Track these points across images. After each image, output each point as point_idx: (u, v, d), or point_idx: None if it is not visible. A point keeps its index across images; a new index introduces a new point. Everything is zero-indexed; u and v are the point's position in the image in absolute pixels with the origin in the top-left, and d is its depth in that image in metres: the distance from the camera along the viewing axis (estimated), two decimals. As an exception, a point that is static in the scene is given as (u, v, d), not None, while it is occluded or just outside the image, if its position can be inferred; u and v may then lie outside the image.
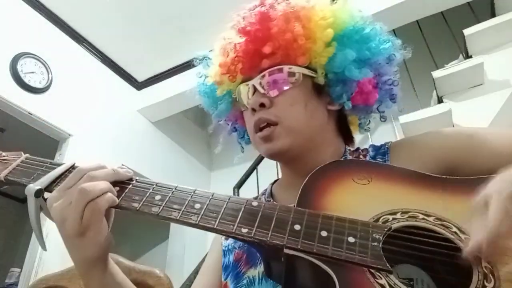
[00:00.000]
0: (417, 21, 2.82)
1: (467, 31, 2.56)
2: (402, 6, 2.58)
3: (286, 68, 0.64)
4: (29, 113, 2.52)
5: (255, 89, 0.65)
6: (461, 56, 2.75)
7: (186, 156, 3.93)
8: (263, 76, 0.65)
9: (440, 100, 2.52)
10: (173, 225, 3.63)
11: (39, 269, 2.29)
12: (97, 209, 0.48)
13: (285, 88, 0.64)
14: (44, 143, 2.68)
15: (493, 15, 3.02)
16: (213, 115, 0.76)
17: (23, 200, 4.99)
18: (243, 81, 0.68)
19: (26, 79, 2.56)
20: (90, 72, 3.15)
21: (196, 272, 2.14)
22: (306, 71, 0.65)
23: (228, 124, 0.80)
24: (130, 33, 3.15)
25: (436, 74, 2.49)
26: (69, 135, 2.72)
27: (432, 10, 2.66)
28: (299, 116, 0.63)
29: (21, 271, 2.43)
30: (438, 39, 3.06)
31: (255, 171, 2.78)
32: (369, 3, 0.70)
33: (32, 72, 2.61)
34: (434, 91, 2.62)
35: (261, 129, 0.64)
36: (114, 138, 3.05)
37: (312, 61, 0.65)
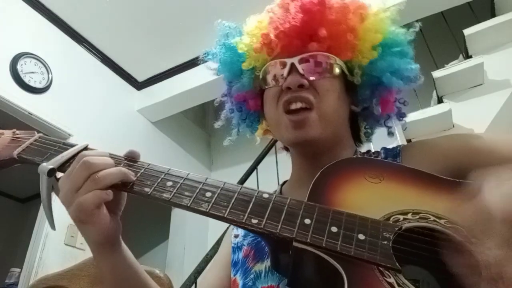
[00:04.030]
0: (417, 21, 2.82)
1: (467, 31, 2.57)
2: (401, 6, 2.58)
3: (331, 57, 0.64)
4: (29, 113, 2.51)
5: (292, 68, 0.63)
6: (461, 56, 2.75)
7: (186, 156, 3.93)
8: (306, 58, 0.64)
9: (440, 100, 2.52)
10: (173, 225, 3.62)
11: (39, 269, 2.29)
12: (83, 206, 0.49)
13: (326, 75, 0.64)
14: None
15: (493, 15, 3.02)
16: (234, 88, 0.73)
17: (23, 200, 4.99)
18: (275, 58, 0.66)
19: (26, 79, 2.55)
20: (90, 72, 3.14)
21: (196, 272, 2.14)
22: (344, 68, 0.66)
23: (233, 102, 0.76)
24: (130, 33, 3.14)
25: (436, 74, 2.49)
26: (69, 135, 2.71)
27: (432, 10, 2.66)
28: (331, 106, 0.63)
29: (21, 271, 2.43)
30: (438, 39, 3.06)
31: (255, 171, 2.77)
32: (369, 3, 0.70)
33: (32, 72, 2.61)
34: (434, 91, 2.62)
35: (292, 111, 0.62)
36: (114, 138, 3.05)
37: (353, 59, 0.66)
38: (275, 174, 2.66)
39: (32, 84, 2.58)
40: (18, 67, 2.53)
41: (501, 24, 2.45)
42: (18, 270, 2.51)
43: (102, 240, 0.53)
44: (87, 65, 3.14)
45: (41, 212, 2.51)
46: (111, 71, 3.35)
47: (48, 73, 2.71)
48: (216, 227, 3.40)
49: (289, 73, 0.63)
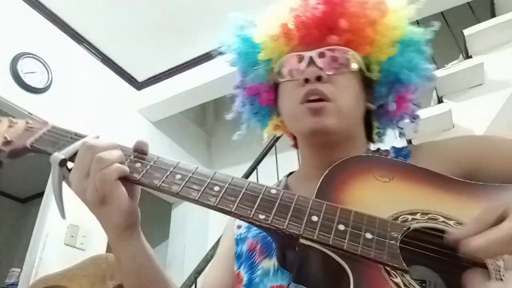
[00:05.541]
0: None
1: (467, 31, 2.56)
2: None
3: (350, 51, 0.64)
4: (29, 113, 2.51)
5: (310, 62, 0.63)
6: (461, 56, 2.75)
7: (186, 156, 3.93)
8: (324, 52, 0.63)
9: (440, 100, 2.51)
10: (173, 225, 3.62)
11: (39, 269, 2.29)
12: (106, 179, 0.50)
13: (344, 70, 0.63)
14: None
15: (493, 15, 3.02)
16: (248, 78, 0.73)
17: (23, 200, 4.99)
18: (292, 51, 0.66)
19: (26, 79, 2.55)
20: (90, 72, 3.14)
21: (196, 272, 2.14)
22: (362, 63, 0.65)
23: (244, 95, 0.76)
24: (130, 33, 3.14)
25: (436, 74, 2.48)
26: (69, 135, 2.71)
27: (432, 10, 2.66)
28: (350, 100, 0.63)
29: (21, 271, 2.43)
30: (438, 39, 3.06)
31: (255, 171, 2.77)
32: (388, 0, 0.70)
33: (32, 72, 2.60)
34: (434, 91, 2.61)
35: (310, 101, 0.62)
36: (114, 138, 3.04)
37: (372, 55, 0.65)
38: (275, 174, 2.66)
39: (32, 84, 2.58)
40: (18, 67, 2.53)
41: (501, 24, 2.45)
42: (18, 270, 2.51)
43: (123, 222, 0.53)
44: (87, 65, 3.14)
45: (41, 212, 2.50)
46: (111, 71, 3.35)
47: (48, 73, 2.71)
48: (216, 227, 3.39)
49: (307, 66, 0.63)
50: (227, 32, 0.73)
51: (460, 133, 2.26)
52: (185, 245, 3.45)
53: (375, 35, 0.64)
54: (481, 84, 2.41)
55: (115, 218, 0.52)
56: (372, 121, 0.73)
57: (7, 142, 0.60)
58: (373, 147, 0.74)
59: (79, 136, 0.59)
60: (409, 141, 2.03)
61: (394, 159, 0.63)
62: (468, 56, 2.59)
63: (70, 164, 0.55)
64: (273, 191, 0.49)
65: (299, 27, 0.65)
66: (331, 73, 0.62)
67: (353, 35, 0.64)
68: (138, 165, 0.54)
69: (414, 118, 0.73)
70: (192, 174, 0.52)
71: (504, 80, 2.32)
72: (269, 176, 2.62)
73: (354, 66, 0.64)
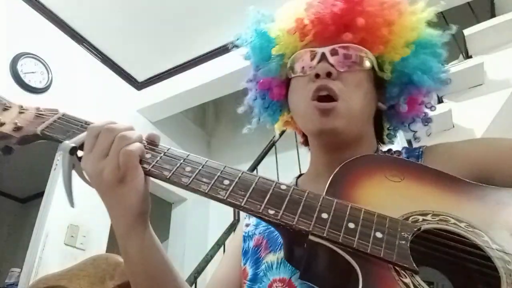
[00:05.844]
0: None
1: (467, 31, 2.56)
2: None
3: (363, 50, 0.64)
4: (29, 113, 2.51)
5: (322, 58, 0.63)
6: (461, 56, 2.75)
7: (186, 156, 3.92)
8: (337, 49, 0.63)
9: (440, 100, 2.51)
10: (173, 225, 3.62)
11: (39, 269, 2.29)
12: (132, 154, 0.51)
13: (356, 68, 0.63)
14: (44, 143, 2.67)
15: (493, 15, 3.02)
16: (260, 72, 0.72)
17: (23, 200, 4.99)
18: (306, 47, 0.66)
19: (26, 79, 2.55)
20: (90, 72, 3.14)
21: (196, 272, 2.14)
22: (375, 62, 0.65)
23: (256, 89, 0.76)
24: (130, 33, 3.14)
25: (436, 74, 2.48)
26: (69, 135, 2.71)
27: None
28: (359, 100, 0.62)
29: (21, 271, 2.43)
30: (438, 39, 3.06)
31: (255, 171, 2.77)
32: (407, 0, 0.70)
33: (32, 72, 2.61)
34: (434, 91, 2.61)
35: (319, 99, 0.61)
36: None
37: (385, 55, 0.65)
38: (275, 174, 2.66)
39: (32, 84, 2.58)
40: (18, 67, 2.53)
41: (501, 24, 2.45)
42: (18, 270, 2.51)
43: (137, 207, 0.52)
44: (87, 65, 3.14)
45: (41, 212, 2.50)
46: (111, 71, 3.35)
47: (48, 73, 2.71)
48: (216, 227, 3.39)
49: (319, 62, 0.63)
50: (244, 25, 0.73)
51: (460, 133, 2.26)
52: (185, 245, 3.45)
53: (390, 35, 0.64)
54: (481, 84, 2.41)
55: (131, 199, 0.51)
56: (383, 121, 0.73)
57: (17, 129, 0.60)
58: (385, 148, 0.74)
59: (89, 125, 0.59)
60: (409, 142, 2.03)
61: (405, 159, 0.62)
62: (468, 56, 2.59)
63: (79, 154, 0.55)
64: (283, 187, 0.49)
65: (315, 23, 0.65)
66: (342, 70, 0.62)
67: (368, 34, 0.64)
68: (148, 155, 0.54)
69: (426, 121, 0.72)
70: (202, 167, 0.52)
71: (504, 80, 2.32)
72: (269, 176, 2.62)
73: (367, 64, 0.64)
